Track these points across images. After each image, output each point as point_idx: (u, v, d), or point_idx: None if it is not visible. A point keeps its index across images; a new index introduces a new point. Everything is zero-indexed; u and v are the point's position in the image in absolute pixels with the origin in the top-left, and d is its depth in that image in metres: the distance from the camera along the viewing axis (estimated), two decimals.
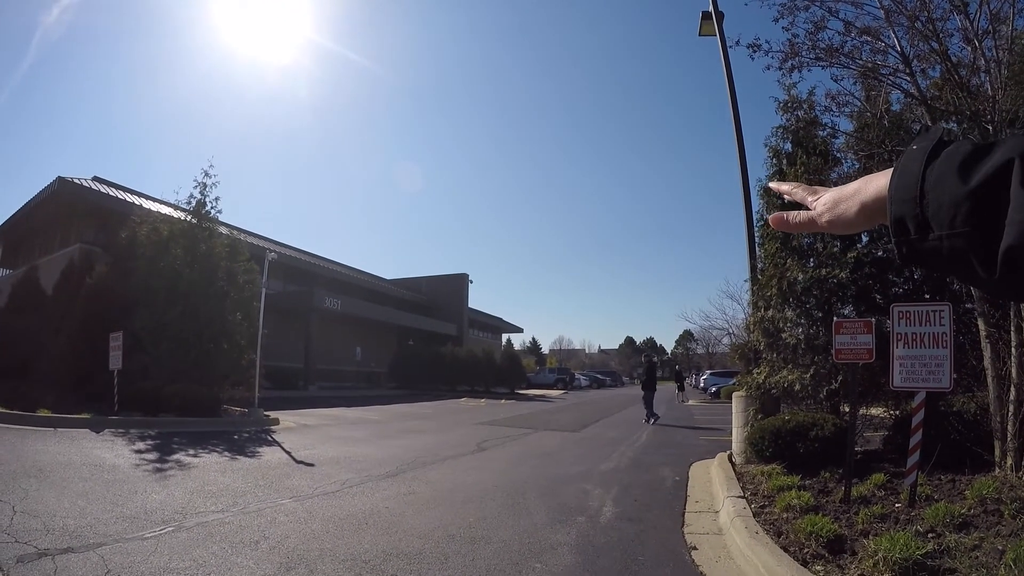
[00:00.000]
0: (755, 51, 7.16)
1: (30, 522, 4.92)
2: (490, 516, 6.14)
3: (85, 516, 5.19)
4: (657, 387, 18.45)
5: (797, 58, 7.03)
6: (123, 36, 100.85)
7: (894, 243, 0.68)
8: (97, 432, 10.08)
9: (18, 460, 7.48)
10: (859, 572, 3.96)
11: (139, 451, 8.80)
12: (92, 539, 4.58)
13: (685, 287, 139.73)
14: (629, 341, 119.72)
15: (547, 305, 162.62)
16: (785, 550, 4.46)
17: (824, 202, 0.81)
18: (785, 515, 5.40)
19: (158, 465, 7.81)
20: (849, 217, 0.77)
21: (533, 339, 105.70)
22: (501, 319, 59.54)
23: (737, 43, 7.26)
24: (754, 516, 5.51)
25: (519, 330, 66.95)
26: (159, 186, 72.14)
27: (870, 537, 4.52)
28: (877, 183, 0.73)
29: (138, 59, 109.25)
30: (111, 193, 23.38)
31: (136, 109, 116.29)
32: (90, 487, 6.27)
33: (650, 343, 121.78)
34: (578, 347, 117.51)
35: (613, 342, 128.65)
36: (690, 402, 31.00)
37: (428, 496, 7.03)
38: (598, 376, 58.86)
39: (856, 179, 0.78)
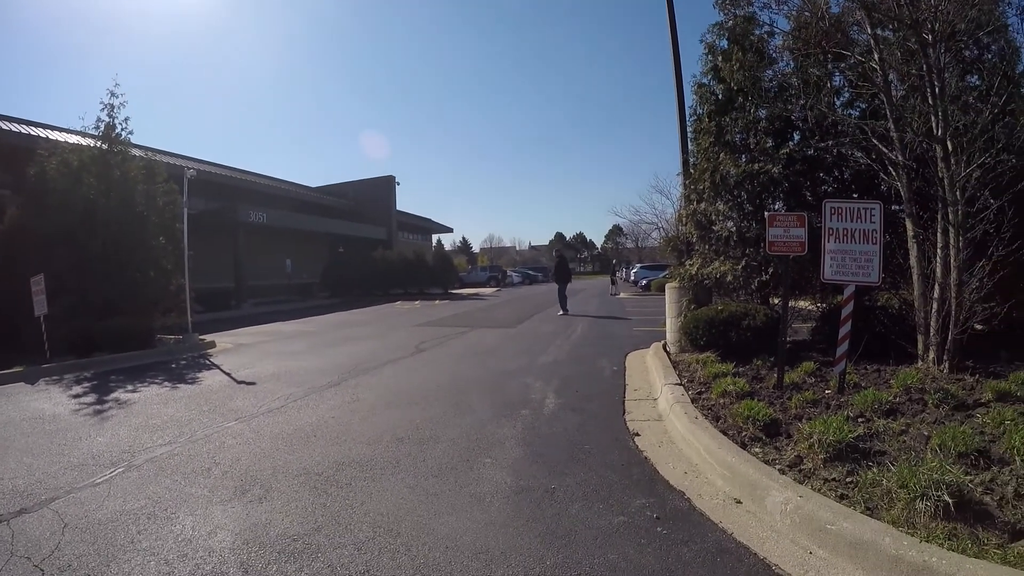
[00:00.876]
0: None
1: None
2: (436, 416, 6.29)
3: (33, 472, 4.95)
4: (571, 280, 19.51)
5: None
6: None
7: None
8: (32, 383, 9.48)
9: None
10: (795, 454, 4.19)
11: (77, 395, 8.37)
12: (44, 495, 4.40)
13: (615, 182, 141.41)
14: (559, 237, 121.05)
15: (476, 203, 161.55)
16: (724, 434, 4.74)
17: None
18: (722, 401, 5.71)
19: (98, 407, 7.47)
20: None
21: (463, 238, 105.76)
22: (430, 220, 58.58)
23: None
24: (692, 402, 5.81)
25: (449, 230, 66.34)
26: (63, 117, 64.70)
27: (804, 421, 4.78)
28: None
29: None
30: (12, 129, 21.11)
31: (31, 34, 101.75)
32: (33, 442, 5.94)
33: (580, 238, 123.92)
34: (508, 244, 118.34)
35: (543, 238, 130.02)
36: (621, 295, 31.99)
37: (373, 402, 7.11)
38: (530, 272, 59.48)
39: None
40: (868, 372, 6.46)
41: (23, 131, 21.32)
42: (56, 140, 16.31)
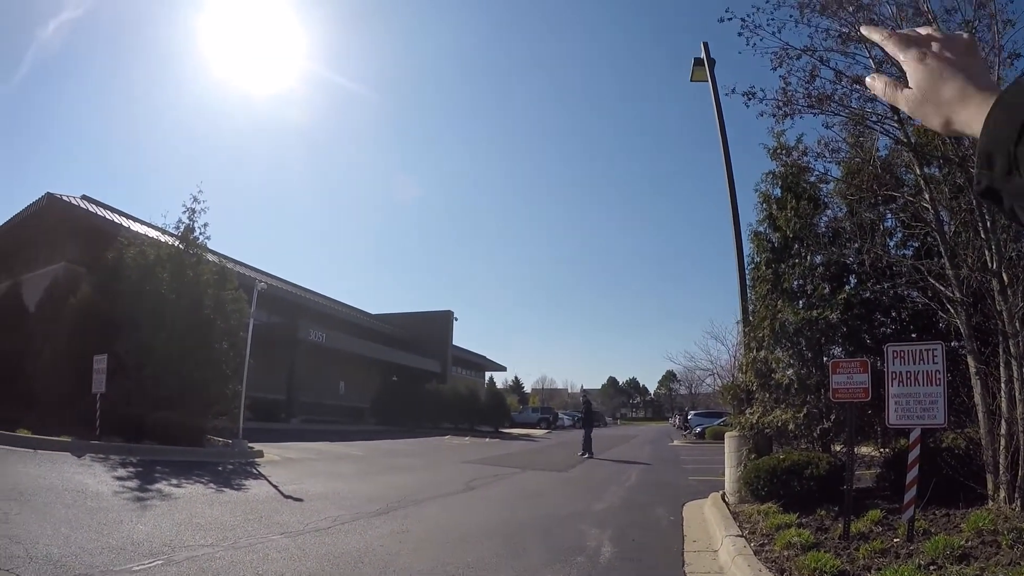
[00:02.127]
0: (750, 99, 7.42)
1: (13, 548, 4.73)
2: (488, 556, 6.04)
3: (69, 544, 5.00)
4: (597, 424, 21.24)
5: (791, 105, 7.28)
6: (119, 55, 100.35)
7: (976, 174, 0.69)
8: (78, 456, 9.83)
9: None
10: None
11: (122, 478, 8.58)
12: (78, 569, 4.39)
13: (670, 329, 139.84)
14: (612, 381, 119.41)
15: (530, 344, 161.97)
16: None
17: (909, 97, 0.78)
18: (786, 553, 5.40)
19: (141, 494, 7.62)
20: (929, 121, 0.77)
21: (516, 378, 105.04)
22: (485, 357, 59.20)
23: (733, 91, 7.52)
24: (755, 554, 5.50)
25: (502, 368, 66.60)
26: (147, 210, 71.11)
27: (873, 572, 4.59)
28: (970, 110, 0.71)
29: (132, 81, 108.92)
30: (99, 213, 22.93)
31: (128, 131, 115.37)
32: (73, 514, 6.06)
33: (633, 383, 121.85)
34: (560, 386, 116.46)
35: (596, 382, 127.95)
36: (675, 442, 30.88)
37: (422, 535, 6.91)
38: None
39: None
40: (937, 517, 6.10)
41: (108, 216, 22.95)
42: (136, 231, 17.61)
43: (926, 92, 0.75)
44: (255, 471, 11.30)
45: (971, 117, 0.70)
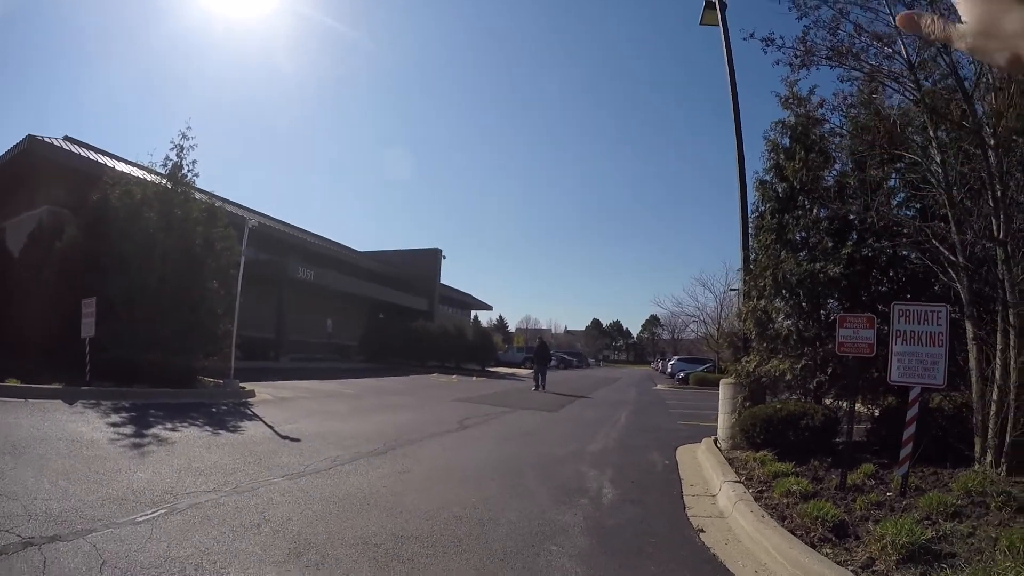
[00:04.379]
0: (769, 45, 7.15)
1: (10, 505, 4.55)
2: (492, 497, 6.13)
3: (69, 498, 4.85)
4: (551, 362, 26.20)
5: (810, 56, 7.05)
6: None
7: None
8: (70, 404, 9.73)
9: None
10: (867, 555, 4.12)
11: (116, 424, 8.50)
12: (80, 524, 4.25)
13: (658, 273, 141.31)
14: (596, 323, 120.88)
15: (515, 283, 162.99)
16: (792, 533, 4.59)
17: (965, 32, 0.69)
18: (785, 500, 5.52)
19: (138, 440, 7.53)
20: (993, 58, 0.69)
21: (500, 317, 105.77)
22: (471, 296, 59.38)
23: (751, 36, 7.22)
24: (755, 500, 5.62)
25: (488, 307, 67.01)
26: (133, 150, 68.49)
27: (871, 523, 4.73)
28: None
29: (113, 18, 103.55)
30: (82, 153, 22.31)
31: (110, 70, 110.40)
32: (70, 465, 5.93)
33: (616, 326, 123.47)
34: (545, 327, 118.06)
35: (580, 323, 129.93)
36: (659, 387, 31.51)
37: (423, 475, 6.98)
38: (565, 356, 59.15)
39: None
40: (926, 475, 6.29)
41: (91, 157, 22.42)
42: (122, 171, 16.96)
43: (987, 25, 0.67)
44: (249, 411, 11.32)
45: None
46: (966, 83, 6.59)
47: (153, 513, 4.72)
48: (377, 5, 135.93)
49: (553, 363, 53.34)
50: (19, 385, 10.38)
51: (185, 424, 9.12)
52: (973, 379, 6.38)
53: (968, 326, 6.48)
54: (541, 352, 23.90)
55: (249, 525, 4.65)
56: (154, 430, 8.36)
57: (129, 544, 4.00)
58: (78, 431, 7.68)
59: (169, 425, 8.87)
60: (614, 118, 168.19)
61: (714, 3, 10.72)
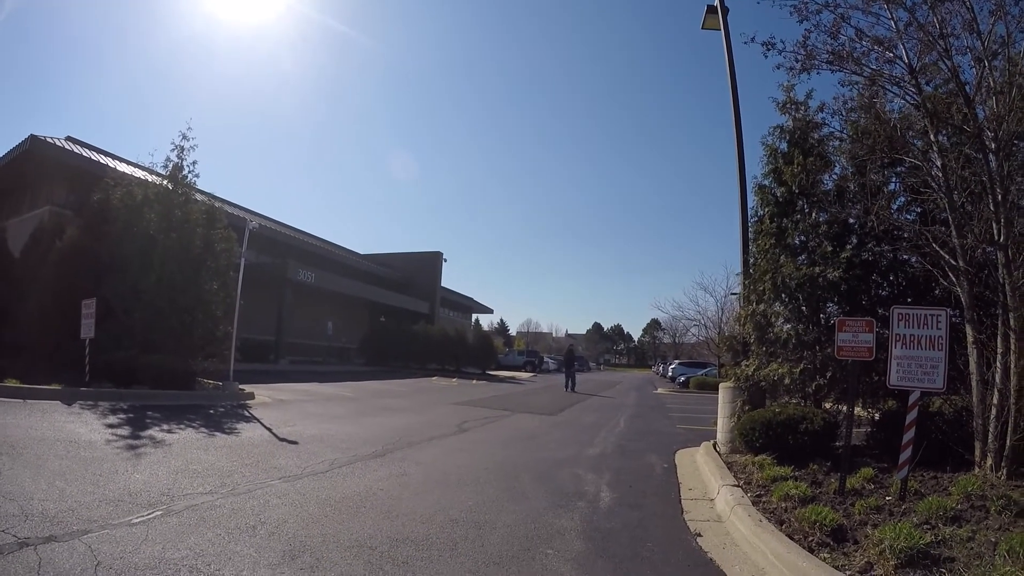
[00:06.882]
0: (769, 49, 7.12)
1: (6, 506, 4.57)
2: (489, 500, 6.11)
3: (65, 499, 4.86)
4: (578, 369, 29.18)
5: (811, 60, 7.04)
6: None
7: None
8: (68, 404, 9.71)
9: None
10: (865, 560, 4.11)
11: (114, 425, 8.49)
12: (76, 525, 4.27)
13: (659, 277, 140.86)
14: (597, 327, 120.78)
15: (516, 287, 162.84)
16: (790, 538, 4.57)
17: None
18: (784, 504, 5.51)
19: (135, 442, 7.52)
20: None
21: (501, 320, 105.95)
22: (472, 299, 59.33)
23: (752, 40, 7.18)
24: (753, 505, 5.60)
25: (489, 311, 66.92)
26: (134, 151, 68.38)
27: (869, 527, 4.71)
28: None
29: (117, 20, 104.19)
30: (84, 154, 22.35)
31: (113, 71, 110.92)
32: (67, 466, 5.93)
33: (617, 330, 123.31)
34: (545, 330, 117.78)
35: (581, 327, 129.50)
36: (659, 390, 31.46)
37: (421, 478, 6.96)
38: (564, 360, 59.01)
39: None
40: (926, 479, 6.25)
41: (93, 157, 22.47)
42: (123, 172, 17.00)
43: None
44: (247, 413, 11.30)
45: None
46: (967, 87, 6.58)
47: (149, 515, 4.72)
48: (381, 6, 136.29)
49: (554, 366, 53.55)
50: (18, 385, 10.35)
51: (183, 426, 9.10)
52: (973, 383, 6.34)
53: (968, 330, 6.45)
54: (569, 358, 27.58)
55: (245, 527, 4.65)
56: (151, 431, 8.35)
57: (124, 545, 4.01)
58: (76, 432, 7.68)
59: (167, 427, 8.85)
60: (617, 123, 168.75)
61: (716, 8, 10.74)
